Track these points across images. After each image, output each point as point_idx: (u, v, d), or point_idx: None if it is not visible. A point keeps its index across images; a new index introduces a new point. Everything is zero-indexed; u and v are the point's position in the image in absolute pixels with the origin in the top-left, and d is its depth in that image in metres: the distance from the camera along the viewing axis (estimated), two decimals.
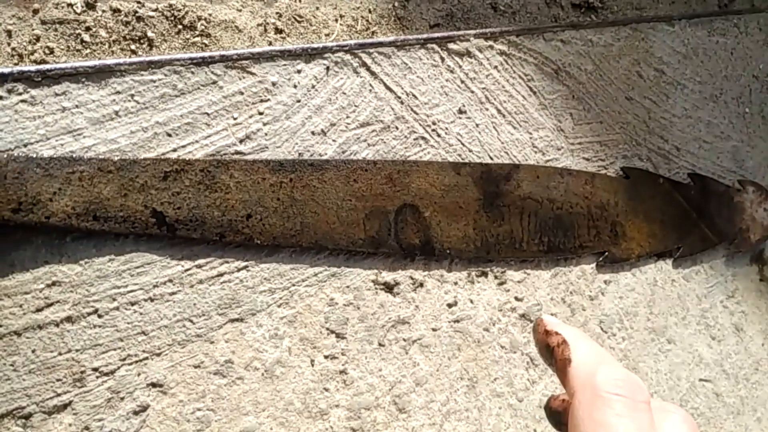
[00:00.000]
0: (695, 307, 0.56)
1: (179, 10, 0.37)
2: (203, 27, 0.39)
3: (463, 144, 0.44)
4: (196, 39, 0.38)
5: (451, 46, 0.44)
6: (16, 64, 0.31)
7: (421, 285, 0.42)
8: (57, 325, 0.30)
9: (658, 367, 0.53)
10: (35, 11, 0.34)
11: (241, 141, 0.36)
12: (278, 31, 0.41)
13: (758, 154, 0.62)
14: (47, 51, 0.34)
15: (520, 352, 0.46)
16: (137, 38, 0.37)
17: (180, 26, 0.38)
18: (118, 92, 0.32)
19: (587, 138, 0.50)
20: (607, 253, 0.51)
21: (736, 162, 0.60)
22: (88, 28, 0.35)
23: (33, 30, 0.34)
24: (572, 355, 0.30)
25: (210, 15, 0.38)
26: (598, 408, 0.28)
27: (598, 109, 0.51)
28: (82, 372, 0.31)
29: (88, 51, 0.35)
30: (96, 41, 0.36)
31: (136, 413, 0.32)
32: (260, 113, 0.36)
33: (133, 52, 0.36)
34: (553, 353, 0.32)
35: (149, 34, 0.37)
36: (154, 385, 0.33)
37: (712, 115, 0.59)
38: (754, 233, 0.61)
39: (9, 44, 0.33)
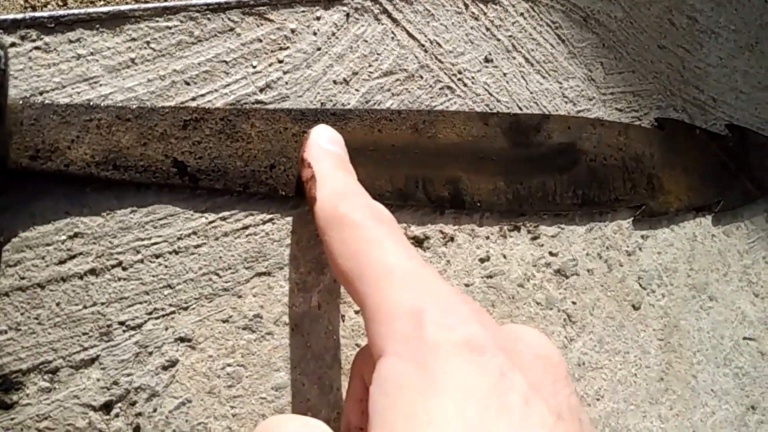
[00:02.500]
0: (737, 263, 0.54)
1: None
2: None
3: (490, 94, 0.42)
4: None
5: None
6: None
7: (452, 239, 0.40)
8: (81, 277, 0.30)
9: (700, 325, 0.51)
10: None
11: (261, 90, 0.34)
12: None
13: None
14: (60, 3, 0.33)
15: (557, 308, 0.44)
16: None
17: None
18: (134, 39, 0.31)
19: (619, 88, 0.49)
20: (644, 207, 0.49)
21: None
22: None
23: None
24: (318, 192, 0.30)
25: None
26: (338, 232, 0.27)
27: (630, 59, 0.49)
28: (108, 326, 0.30)
29: (101, 2, 0.34)
30: None
31: (165, 368, 0.31)
32: (280, 61, 0.35)
33: (145, 2, 0.35)
34: (304, 187, 0.32)
35: None
36: (182, 339, 0.32)
37: (748, 65, 0.56)
38: None
39: None
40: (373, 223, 0.27)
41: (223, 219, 0.33)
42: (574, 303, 0.45)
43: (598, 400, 0.45)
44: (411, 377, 0.21)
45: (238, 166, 0.33)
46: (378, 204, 0.29)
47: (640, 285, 0.48)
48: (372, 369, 0.23)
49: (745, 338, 0.54)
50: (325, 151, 0.32)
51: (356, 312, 0.37)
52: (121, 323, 0.31)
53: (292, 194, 0.34)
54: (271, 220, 0.35)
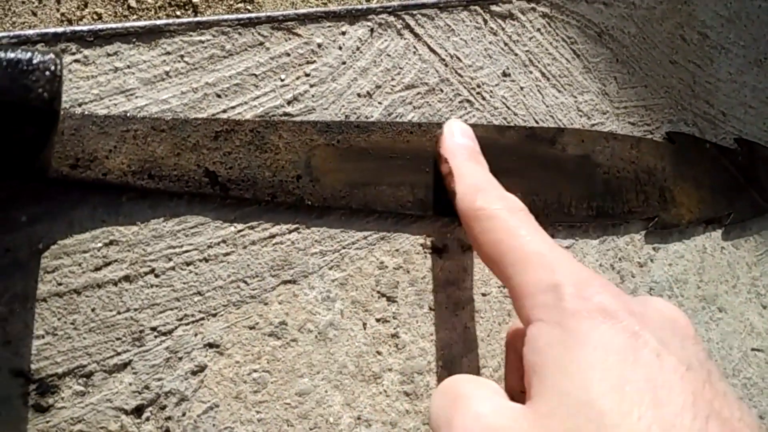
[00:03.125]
0: (745, 275, 0.55)
1: None
2: None
3: (508, 107, 0.43)
4: (240, 5, 0.38)
5: (494, 8, 0.43)
6: None
7: (470, 248, 0.41)
8: (115, 284, 0.30)
9: (710, 335, 0.52)
10: None
11: (288, 102, 0.35)
12: None
13: None
14: (95, 16, 0.34)
15: None
16: (182, 4, 0.37)
17: None
18: (168, 53, 0.32)
19: (632, 102, 0.50)
20: (657, 219, 0.49)
21: None
22: None
23: None
24: (456, 186, 0.34)
25: None
26: (479, 223, 0.31)
27: (643, 73, 0.50)
28: (140, 331, 0.31)
29: (134, 17, 0.35)
30: (142, 7, 0.36)
31: (194, 373, 0.32)
32: (307, 75, 0.36)
33: (178, 17, 0.36)
34: (444, 180, 0.37)
35: (193, 0, 0.37)
36: (210, 345, 0.32)
37: (757, 80, 0.57)
38: None
39: (58, 10, 0.34)
40: (508, 214, 0.31)
41: (251, 228, 0.34)
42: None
43: None
44: (556, 336, 0.25)
45: (266, 176, 0.34)
46: (511, 195, 0.33)
47: (652, 296, 0.49)
48: (522, 338, 0.27)
49: (753, 349, 0.55)
50: (457, 145, 0.36)
51: (377, 320, 0.38)
52: (153, 329, 0.32)
53: (318, 204, 0.35)
54: (296, 229, 0.35)
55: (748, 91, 0.57)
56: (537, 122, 0.45)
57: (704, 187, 0.53)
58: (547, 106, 0.45)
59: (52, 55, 0.24)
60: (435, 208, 0.39)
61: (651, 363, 0.23)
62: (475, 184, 0.33)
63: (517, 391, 0.32)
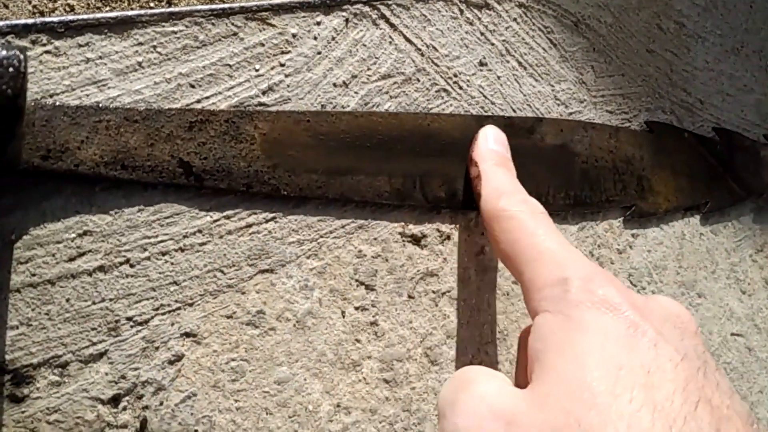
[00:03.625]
0: (724, 261, 0.55)
1: None
2: None
3: (485, 96, 0.44)
4: None
5: None
6: None
7: (448, 237, 0.41)
8: (90, 274, 0.31)
9: None
10: None
11: (264, 93, 0.35)
12: None
13: None
14: (67, 8, 0.34)
15: None
16: None
17: None
18: (141, 43, 0.32)
19: (609, 90, 0.50)
20: (634, 207, 0.50)
21: (760, 115, 0.59)
22: None
23: None
24: (483, 189, 0.37)
25: None
26: (499, 223, 0.34)
27: (620, 62, 0.51)
28: (116, 321, 0.31)
29: (107, 8, 0.35)
30: None
31: (171, 362, 0.32)
32: (282, 65, 0.36)
33: (151, 8, 0.36)
34: (472, 183, 0.39)
35: None
36: (187, 334, 0.33)
37: (734, 68, 0.58)
38: None
39: (30, 2, 0.33)
40: (527, 216, 0.33)
41: (227, 218, 0.34)
42: None
43: None
44: (559, 324, 0.26)
45: (241, 166, 0.34)
46: (532, 199, 0.35)
47: (631, 282, 0.50)
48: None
49: (732, 334, 0.56)
50: (489, 150, 0.39)
51: (356, 308, 0.38)
52: (129, 319, 0.32)
53: (293, 194, 0.35)
54: (273, 218, 0.35)
55: (725, 79, 0.57)
56: (514, 111, 0.45)
57: (682, 176, 0.53)
58: (525, 95, 0.45)
59: (16, 51, 0.24)
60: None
61: (647, 350, 0.24)
62: (499, 187, 0.36)
63: (524, 385, 0.33)
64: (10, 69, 0.24)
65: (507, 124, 0.44)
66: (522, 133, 0.44)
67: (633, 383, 0.23)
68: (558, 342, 0.26)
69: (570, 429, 0.22)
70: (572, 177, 0.47)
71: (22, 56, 0.24)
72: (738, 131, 0.58)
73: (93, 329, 0.31)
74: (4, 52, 0.24)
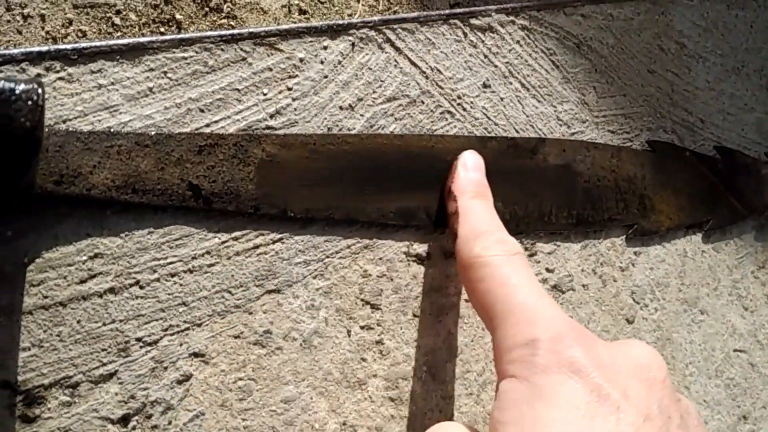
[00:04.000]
0: (726, 278, 0.56)
1: None
2: (229, 9, 0.39)
3: (488, 118, 0.44)
4: (223, 21, 0.39)
5: (473, 21, 0.44)
6: None
7: (452, 255, 0.42)
8: (100, 296, 0.31)
9: (692, 338, 0.53)
10: None
11: (271, 116, 0.36)
12: (302, 12, 0.42)
13: None
14: (80, 34, 0.35)
15: None
16: (166, 21, 0.37)
17: (207, 8, 0.39)
18: (152, 69, 0.33)
19: (611, 111, 0.50)
20: (636, 226, 0.50)
21: (761, 134, 0.60)
22: (118, 12, 0.36)
23: (66, 14, 0.35)
24: (459, 229, 0.35)
25: None
26: (474, 272, 0.32)
27: (621, 83, 0.51)
28: (126, 342, 0.31)
29: (119, 34, 0.36)
30: (126, 24, 0.36)
31: (179, 382, 0.33)
32: (289, 89, 0.37)
33: (162, 34, 0.37)
34: (448, 219, 0.38)
35: (177, 16, 0.38)
36: (196, 354, 0.33)
37: (735, 88, 0.59)
38: None
39: (43, 28, 0.34)
40: (502, 261, 0.31)
41: (235, 239, 0.35)
42: (570, 317, 0.46)
43: None
44: (522, 393, 0.26)
45: (249, 189, 0.35)
46: (509, 238, 0.34)
47: (634, 300, 0.50)
48: None
49: (735, 350, 0.56)
50: (469, 181, 0.37)
51: (361, 327, 0.38)
52: (138, 339, 0.32)
53: (300, 215, 0.36)
54: (280, 239, 0.36)
55: (726, 98, 0.58)
56: (517, 132, 0.46)
57: (683, 195, 0.54)
58: (527, 116, 0.46)
59: (34, 85, 0.25)
60: (417, 218, 0.40)
61: (608, 418, 0.24)
62: (476, 227, 0.34)
63: None
64: (29, 102, 0.24)
65: (510, 145, 0.44)
66: (525, 154, 0.45)
67: None
68: (519, 415, 0.25)
69: None
70: (575, 196, 0.47)
71: (40, 90, 0.25)
72: (739, 150, 0.58)
73: (103, 350, 0.31)
74: (23, 86, 0.24)
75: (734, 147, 0.58)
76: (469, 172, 0.38)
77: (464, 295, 0.42)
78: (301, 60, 0.37)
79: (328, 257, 0.37)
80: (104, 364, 0.31)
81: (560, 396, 0.25)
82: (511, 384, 0.27)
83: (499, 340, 0.29)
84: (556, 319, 0.29)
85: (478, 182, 0.37)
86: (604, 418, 0.24)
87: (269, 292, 0.35)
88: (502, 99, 0.45)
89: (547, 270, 0.46)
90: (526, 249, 0.45)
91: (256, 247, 0.35)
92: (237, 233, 0.35)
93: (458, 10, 0.44)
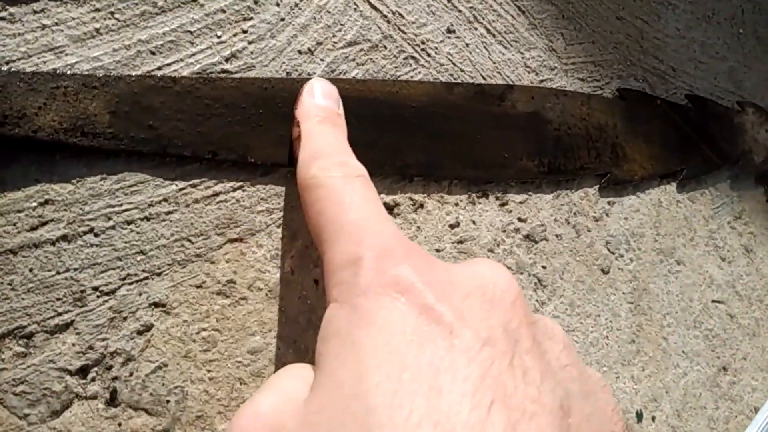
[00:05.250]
0: (702, 228, 0.55)
1: None
2: None
3: (454, 64, 0.43)
4: None
5: None
6: None
7: (422, 206, 0.41)
8: (53, 243, 0.30)
9: (669, 288, 0.52)
10: None
11: (226, 60, 0.35)
12: None
13: (755, 75, 0.61)
14: None
15: (527, 273, 0.45)
16: None
17: None
18: (98, 9, 0.32)
19: (580, 58, 0.50)
20: (609, 175, 0.50)
21: (733, 83, 0.60)
22: None
23: None
24: (300, 152, 0.32)
25: None
26: (308, 193, 0.29)
27: (590, 29, 0.51)
28: (82, 291, 0.30)
29: None
30: None
31: (140, 333, 0.32)
32: (244, 31, 0.36)
33: None
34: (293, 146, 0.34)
35: None
36: (156, 305, 0.32)
37: (706, 36, 0.58)
38: (757, 155, 0.60)
39: None
40: (338, 182, 0.28)
41: (194, 186, 0.34)
42: (544, 267, 0.46)
43: None
44: (343, 319, 0.23)
45: (205, 133, 0.34)
46: (353, 161, 0.30)
47: (609, 250, 0.50)
48: None
49: (713, 301, 0.56)
50: (315, 106, 0.33)
51: None
52: (95, 289, 0.31)
53: (261, 161, 0.35)
54: (241, 187, 0.35)
55: (697, 46, 0.57)
56: (484, 78, 0.45)
57: (656, 144, 0.53)
58: (494, 63, 0.45)
59: None
60: (385, 166, 0.39)
61: (439, 343, 0.21)
62: (317, 150, 0.31)
63: None
64: None
65: (477, 92, 0.44)
66: (493, 101, 0.44)
67: (416, 389, 0.19)
68: (340, 343, 0.22)
69: None
70: (545, 144, 0.46)
71: None
72: (712, 99, 0.58)
73: (58, 299, 0.30)
74: None
75: (707, 96, 0.58)
76: (315, 98, 0.34)
77: (434, 245, 0.41)
78: (256, 2, 0.36)
79: (291, 206, 0.36)
80: (60, 314, 0.30)
81: (384, 320, 0.21)
82: (333, 310, 0.24)
83: (326, 263, 0.26)
84: (387, 236, 0.25)
85: (325, 108, 0.33)
86: (435, 343, 0.21)
87: (231, 240, 0.35)
88: (467, 45, 0.44)
89: (520, 220, 0.45)
90: (497, 198, 0.44)
91: (216, 194, 0.34)
92: (195, 180, 0.34)
93: None
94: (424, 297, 0.22)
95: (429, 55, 0.42)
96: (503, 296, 0.23)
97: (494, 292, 0.23)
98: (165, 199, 0.33)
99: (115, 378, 0.31)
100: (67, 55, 0.31)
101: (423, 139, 0.41)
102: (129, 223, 0.32)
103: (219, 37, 0.35)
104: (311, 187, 0.28)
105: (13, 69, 0.30)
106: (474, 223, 0.43)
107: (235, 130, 0.34)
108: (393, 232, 0.26)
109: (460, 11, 0.44)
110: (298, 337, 0.36)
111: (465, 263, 0.25)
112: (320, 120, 0.33)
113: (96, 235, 0.31)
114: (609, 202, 0.50)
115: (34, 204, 0.30)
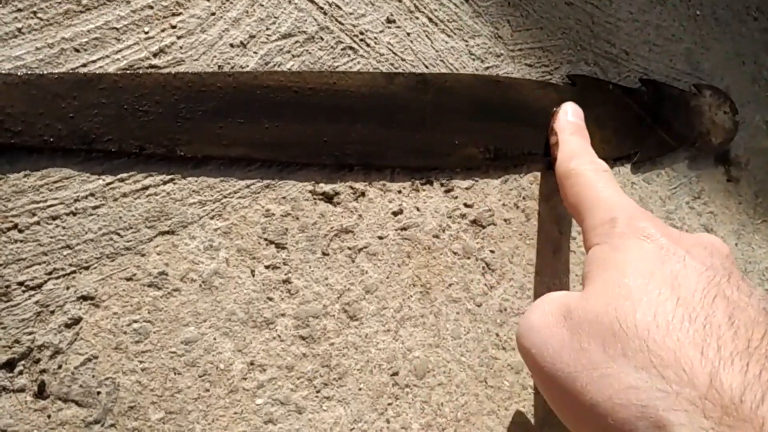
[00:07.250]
0: (659, 209, 0.56)
1: None
2: None
3: (395, 54, 0.44)
4: None
5: None
6: None
7: (363, 194, 0.41)
8: None
9: None
10: None
11: (155, 55, 0.35)
12: None
13: (713, 57, 0.61)
14: None
15: (474, 257, 0.45)
16: None
17: None
18: (20, 9, 0.32)
19: (528, 44, 0.50)
20: (557, 160, 0.50)
21: (690, 65, 0.60)
22: None
23: None
24: (558, 153, 0.44)
25: None
26: (569, 180, 0.41)
27: (537, 15, 0.51)
28: (6, 286, 0.31)
29: None
30: None
31: (68, 326, 0.32)
32: (173, 27, 0.36)
33: None
34: (550, 150, 0.47)
35: None
36: (84, 298, 0.33)
37: (661, 18, 0.58)
38: (715, 136, 0.60)
39: None
40: (591, 173, 0.40)
41: (122, 180, 0.34)
42: (492, 252, 0.46)
43: None
44: (606, 251, 0.33)
45: (132, 128, 0.34)
46: (600, 161, 0.41)
47: (560, 232, 0.50)
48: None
49: None
50: (567, 122, 0.46)
51: (266, 267, 0.38)
52: (20, 284, 0.32)
53: (191, 155, 0.35)
54: (171, 180, 0.35)
55: (651, 29, 0.57)
56: (427, 67, 0.45)
57: (607, 128, 0.53)
58: (437, 51, 0.45)
59: None
60: (323, 155, 0.39)
61: (676, 264, 0.30)
62: (572, 150, 0.43)
63: None
64: None
65: (420, 81, 0.44)
66: (436, 90, 0.44)
67: (663, 283, 0.28)
68: (603, 261, 0.32)
69: (608, 314, 0.28)
70: (492, 131, 0.47)
71: None
72: (667, 81, 0.58)
73: None
74: None
75: (663, 79, 0.58)
76: (568, 116, 0.47)
77: (377, 233, 0.42)
78: None
79: (225, 197, 0.37)
80: None
81: (635, 248, 0.31)
82: (596, 248, 0.34)
83: (587, 225, 0.36)
84: (632, 206, 0.35)
85: (575, 124, 0.46)
86: (673, 263, 0.30)
87: (162, 233, 0.35)
88: (408, 34, 0.44)
89: (466, 205, 0.45)
90: (441, 185, 0.45)
91: (145, 188, 0.35)
92: (123, 174, 0.34)
93: None
94: (665, 242, 0.32)
95: (368, 45, 0.42)
96: (720, 249, 0.32)
97: (713, 247, 0.32)
98: (92, 194, 0.34)
99: (43, 371, 0.32)
100: None
101: (362, 129, 0.41)
102: (54, 218, 0.33)
103: (146, 32, 0.36)
104: (571, 176, 0.40)
105: None
106: (418, 209, 0.43)
107: (163, 125, 0.35)
108: (635, 205, 0.36)
109: (400, 1, 0.44)
110: (235, 327, 0.36)
111: (687, 233, 0.34)
112: (571, 132, 0.45)
113: (20, 231, 0.32)
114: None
115: None
